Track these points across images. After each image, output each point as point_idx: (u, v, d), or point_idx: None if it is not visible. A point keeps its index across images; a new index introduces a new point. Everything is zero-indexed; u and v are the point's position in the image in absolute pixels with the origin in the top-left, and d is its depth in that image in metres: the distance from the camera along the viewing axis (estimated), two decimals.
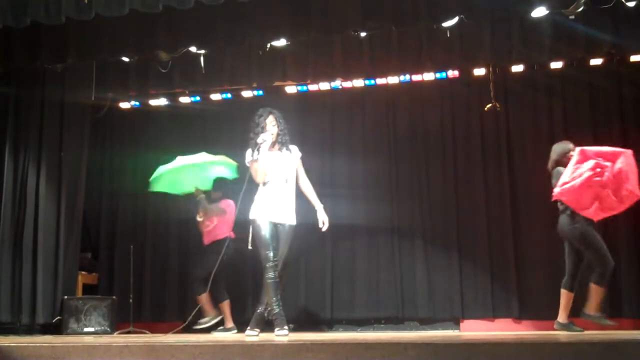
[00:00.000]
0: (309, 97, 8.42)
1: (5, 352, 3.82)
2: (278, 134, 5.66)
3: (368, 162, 8.19)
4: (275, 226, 5.51)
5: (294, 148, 5.77)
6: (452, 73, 7.88)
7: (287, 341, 3.86)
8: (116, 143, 8.92)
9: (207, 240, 7.23)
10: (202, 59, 7.16)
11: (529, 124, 7.84)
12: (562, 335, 5.33)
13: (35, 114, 7.49)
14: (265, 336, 5.41)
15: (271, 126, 5.64)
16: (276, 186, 5.57)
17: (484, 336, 5.29)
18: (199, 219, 7.18)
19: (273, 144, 5.65)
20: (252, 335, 5.41)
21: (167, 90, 8.10)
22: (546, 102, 7.81)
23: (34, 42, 6.93)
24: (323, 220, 5.63)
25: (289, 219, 5.57)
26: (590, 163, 5.64)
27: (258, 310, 5.57)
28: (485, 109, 7.50)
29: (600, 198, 5.62)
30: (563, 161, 6.02)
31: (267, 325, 5.53)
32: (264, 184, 5.58)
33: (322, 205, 5.67)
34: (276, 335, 5.19)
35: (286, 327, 5.31)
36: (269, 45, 6.99)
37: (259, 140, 5.54)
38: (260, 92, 8.45)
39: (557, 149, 6.18)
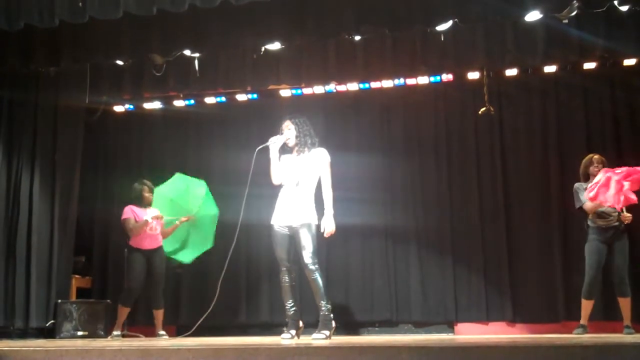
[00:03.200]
0: (303, 101, 8.42)
1: None
2: (297, 137, 5.61)
3: (362, 166, 8.19)
4: (290, 229, 5.47)
5: (319, 152, 5.66)
6: (446, 77, 7.90)
7: (281, 345, 3.85)
8: (110, 146, 8.90)
9: (151, 244, 7.16)
10: (196, 62, 7.15)
11: (523, 127, 7.86)
12: (555, 338, 5.34)
13: (28, 117, 7.48)
14: (259, 340, 5.42)
15: (287, 130, 5.64)
16: (287, 190, 5.55)
17: (478, 339, 5.29)
18: (151, 219, 7.12)
19: (291, 147, 5.64)
20: (318, 339, 5.17)
21: (162, 94, 8.10)
22: (540, 106, 7.83)
23: (27, 46, 6.92)
24: (325, 227, 5.47)
25: (301, 219, 5.42)
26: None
27: (321, 312, 5.42)
28: (479, 112, 7.51)
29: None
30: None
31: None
32: (280, 187, 5.58)
33: (332, 212, 5.49)
34: (281, 338, 5.29)
35: (293, 330, 5.40)
36: (263, 49, 6.99)
37: (268, 141, 5.54)
38: (255, 96, 8.46)
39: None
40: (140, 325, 7.86)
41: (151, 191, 7.31)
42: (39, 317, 7.18)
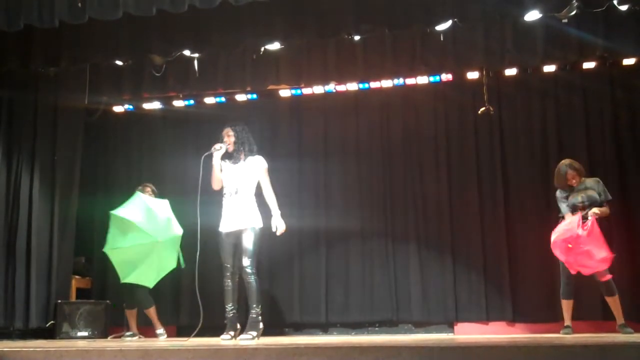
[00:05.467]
0: (303, 101, 8.43)
1: None
2: (235, 144, 5.98)
3: (362, 166, 8.21)
4: (234, 235, 5.87)
5: (256, 159, 6.01)
6: (446, 77, 7.90)
7: (281, 344, 3.85)
8: (110, 146, 8.90)
9: None
10: (196, 62, 7.14)
11: (523, 127, 7.86)
12: (555, 338, 5.34)
13: (28, 117, 7.47)
14: (258, 340, 5.42)
15: (227, 136, 6.02)
16: (228, 198, 5.93)
17: (478, 339, 5.29)
18: None
19: (230, 155, 6.00)
20: (246, 339, 5.57)
21: (161, 94, 8.09)
22: (539, 106, 7.83)
23: (27, 46, 6.92)
24: (276, 226, 5.89)
25: (243, 224, 5.82)
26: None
27: (252, 315, 5.78)
28: (479, 112, 7.51)
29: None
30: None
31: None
32: (222, 195, 5.95)
33: (278, 212, 5.92)
34: (221, 339, 5.62)
35: (232, 332, 5.77)
36: (263, 49, 6.98)
37: (212, 149, 5.92)
38: (254, 96, 8.45)
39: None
40: (140, 325, 7.83)
41: (153, 193, 7.29)
42: (38, 317, 7.18)
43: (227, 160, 6.01)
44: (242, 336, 5.62)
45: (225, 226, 5.89)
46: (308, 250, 8.09)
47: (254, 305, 5.76)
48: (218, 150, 5.93)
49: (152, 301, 7.24)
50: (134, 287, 7.02)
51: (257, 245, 5.87)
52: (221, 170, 5.98)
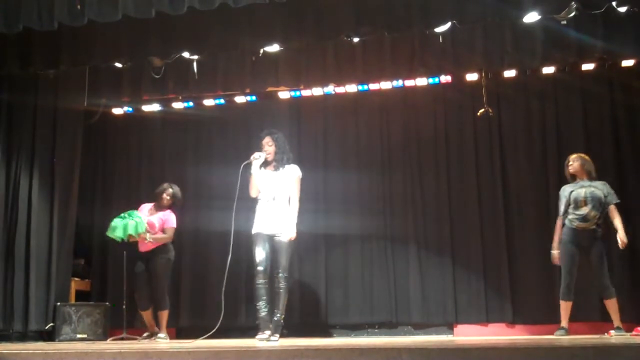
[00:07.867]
0: (302, 103, 8.43)
1: None
2: (275, 153, 6.13)
3: (361, 167, 8.21)
4: (269, 239, 6.01)
5: (292, 168, 6.18)
6: (445, 78, 7.91)
7: (282, 346, 3.85)
8: (109, 149, 8.90)
9: (145, 247, 7.09)
10: (195, 64, 7.15)
11: (522, 129, 7.87)
12: (555, 339, 5.34)
13: (27, 120, 7.47)
14: (259, 342, 5.41)
15: (267, 146, 6.15)
16: (265, 203, 6.07)
17: (477, 341, 5.29)
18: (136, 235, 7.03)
19: (269, 162, 6.12)
20: (263, 339, 5.71)
21: (160, 96, 8.09)
22: (538, 107, 7.84)
23: (26, 48, 6.91)
24: (288, 232, 6.00)
25: (281, 231, 5.98)
26: None
27: (275, 318, 5.92)
28: (478, 114, 7.52)
29: None
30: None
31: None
32: (258, 200, 6.05)
33: (295, 221, 6.06)
34: (258, 339, 5.66)
35: (267, 332, 5.77)
36: (262, 51, 6.99)
37: (251, 158, 6.03)
38: (254, 98, 8.45)
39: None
40: (140, 327, 7.83)
41: (173, 197, 7.22)
42: (38, 319, 7.18)
43: (264, 168, 6.12)
44: (271, 338, 5.77)
45: (260, 228, 6.01)
46: (308, 252, 8.08)
47: (281, 310, 5.91)
48: (257, 159, 6.06)
49: (168, 304, 7.22)
50: (153, 289, 7.04)
51: (292, 253, 6.13)
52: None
